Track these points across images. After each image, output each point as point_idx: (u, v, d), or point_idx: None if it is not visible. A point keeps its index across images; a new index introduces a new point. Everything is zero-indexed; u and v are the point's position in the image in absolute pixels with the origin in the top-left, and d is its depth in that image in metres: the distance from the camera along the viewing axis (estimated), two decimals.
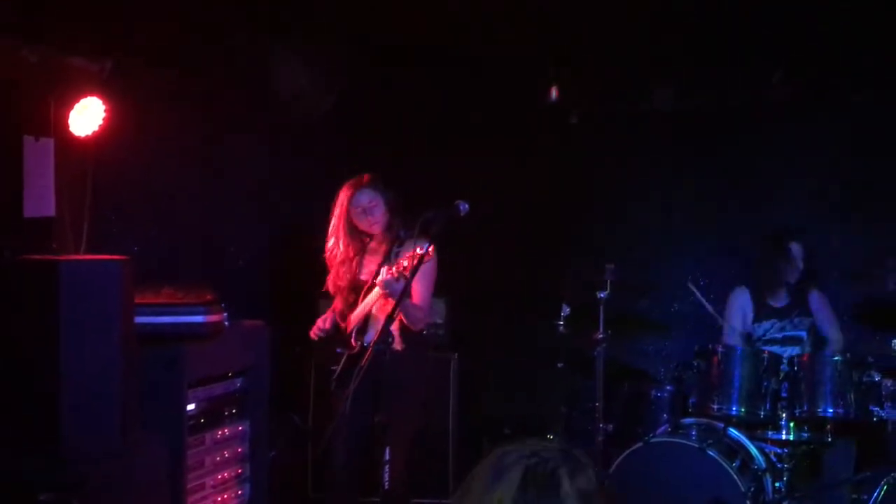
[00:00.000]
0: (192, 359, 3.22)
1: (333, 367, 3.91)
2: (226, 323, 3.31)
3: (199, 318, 3.17)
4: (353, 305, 3.98)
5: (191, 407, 3.27)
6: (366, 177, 3.98)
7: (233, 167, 4.64)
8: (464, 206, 3.51)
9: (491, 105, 5.58)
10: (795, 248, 4.65)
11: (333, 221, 4.02)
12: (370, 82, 5.22)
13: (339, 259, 4.01)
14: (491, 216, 4.31)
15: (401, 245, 3.92)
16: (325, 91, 4.75)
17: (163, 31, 3.86)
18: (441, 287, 4.12)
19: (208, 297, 3.24)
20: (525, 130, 5.64)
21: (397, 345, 3.92)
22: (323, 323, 4.04)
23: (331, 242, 4.02)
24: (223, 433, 3.49)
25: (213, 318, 3.22)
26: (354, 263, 4.01)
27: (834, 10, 4.43)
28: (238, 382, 3.60)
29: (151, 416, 3.00)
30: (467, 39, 4.97)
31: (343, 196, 3.98)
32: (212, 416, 3.42)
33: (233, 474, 3.56)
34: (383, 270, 3.67)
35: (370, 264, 3.99)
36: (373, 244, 4.03)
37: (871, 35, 4.63)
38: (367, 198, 3.94)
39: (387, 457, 4.06)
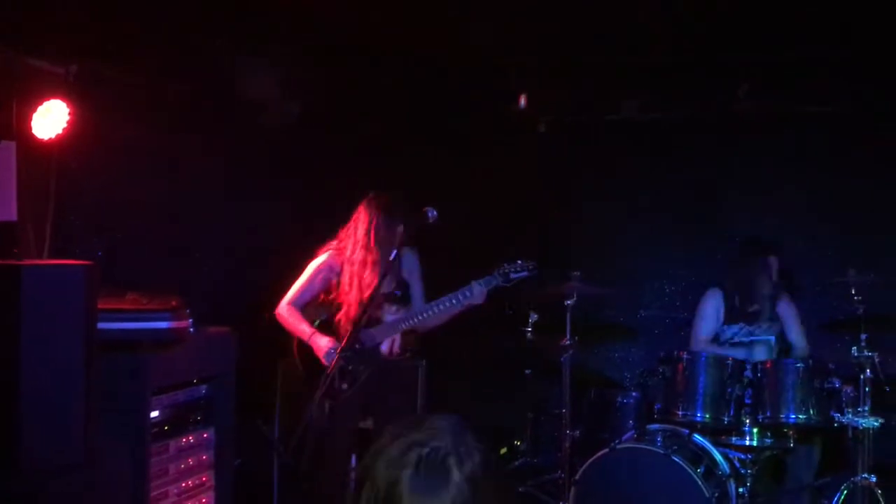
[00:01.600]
0: (157, 365, 3.19)
1: (343, 385, 3.92)
2: (191, 329, 3.28)
3: (164, 324, 3.13)
4: (358, 319, 3.95)
5: (154, 414, 3.23)
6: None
7: (200, 171, 4.60)
8: (432, 213, 3.51)
9: (462, 111, 5.60)
10: (772, 261, 4.71)
11: (365, 228, 3.97)
12: (339, 87, 5.20)
13: (360, 266, 3.96)
14: (459, 222, 4.32)
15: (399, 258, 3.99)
16: (292, 98, 4.73)
17: (129, 34, 3.81)
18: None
19: (174, 302, 3.20)
20: (495, 137, 5.66)
21: (398, 351, 4.06)
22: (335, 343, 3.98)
23: (357, 251, 3.97)
24: (188, 441, 3.45)
25: (179, 324, 3.18)
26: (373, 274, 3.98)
27: (797, 26, 4.51)
28: (203, 389, 3.56)
29: (114, 424, 2.96)
30: (438, 44, 4.98)
31: (392, 212, 3.95)
32: (176, 423, 3.38)
33: (197, 482, 3.52)
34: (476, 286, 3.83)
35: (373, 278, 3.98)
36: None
37: (831, 51, 4.72)
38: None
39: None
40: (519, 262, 3.91)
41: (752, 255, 4.73)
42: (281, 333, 4.24)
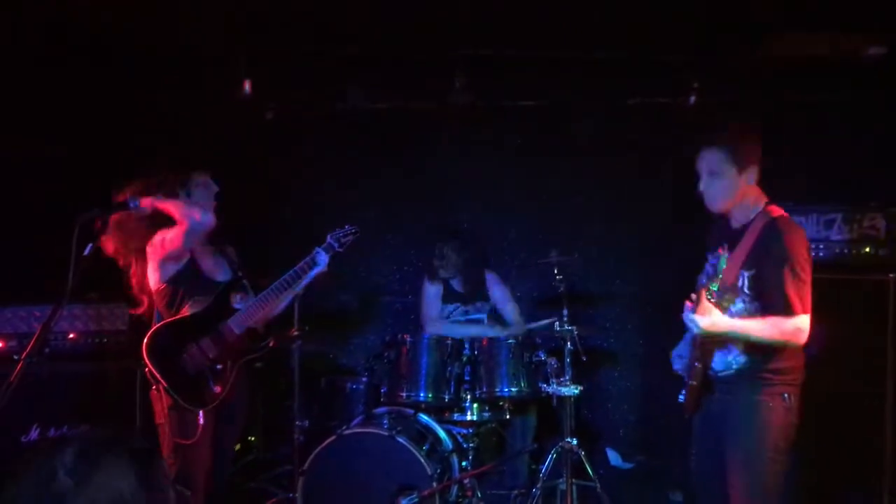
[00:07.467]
0: None
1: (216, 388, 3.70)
2: None
3: None
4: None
5: None
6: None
7: None
8: (134, 203, 3.34)
9: (184, 98, 5.35)
10: (446, 249, 5.07)
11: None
12: (44, 75, 4.77)
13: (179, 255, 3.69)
14: None
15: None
16: None
17: None
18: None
19: None
20: (219, 124, 5.47)
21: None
22: None
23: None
24: None
25: None
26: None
27: (508, 26, 4.78)
28: None
29: None
30: (154, 32, 4.73)
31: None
32: None
33: None
34: None
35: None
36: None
37: (539, 49, 5.06)
38: None
39: None
40: (345, 227, 4.07)
41: (435, 242, 5.11)
42: None
